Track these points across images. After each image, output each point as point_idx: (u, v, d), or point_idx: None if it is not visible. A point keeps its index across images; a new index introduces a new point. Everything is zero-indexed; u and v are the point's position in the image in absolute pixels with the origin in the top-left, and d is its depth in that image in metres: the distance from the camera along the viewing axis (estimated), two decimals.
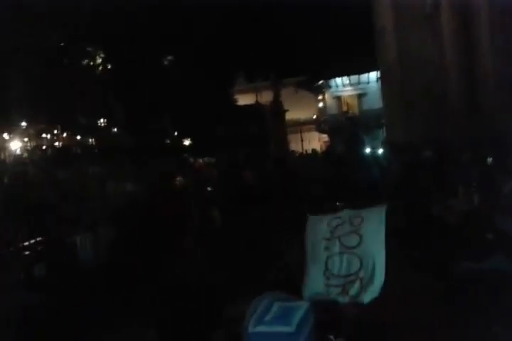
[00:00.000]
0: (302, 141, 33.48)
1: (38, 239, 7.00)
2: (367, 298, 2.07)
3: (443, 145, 8.14)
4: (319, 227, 2.34)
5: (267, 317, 1.60)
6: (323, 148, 30.08)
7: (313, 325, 1.63)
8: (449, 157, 7.06)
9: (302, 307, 1.65)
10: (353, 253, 2.13)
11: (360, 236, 2.16)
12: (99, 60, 22.68)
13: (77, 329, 4.64)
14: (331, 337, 2.72)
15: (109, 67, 22.10)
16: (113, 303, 5.35)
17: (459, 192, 5.48)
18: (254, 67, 32.62)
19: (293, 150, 24.67)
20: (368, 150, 16.08)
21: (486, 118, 9.36)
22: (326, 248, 2.21)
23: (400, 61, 14.13)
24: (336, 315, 3.67)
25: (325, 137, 35.48)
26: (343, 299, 2.10)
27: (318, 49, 28.09)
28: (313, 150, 18.05)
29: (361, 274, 2.08)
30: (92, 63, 22.08)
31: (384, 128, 22.57)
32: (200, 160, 20.19)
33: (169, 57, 23.52)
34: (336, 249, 2.18)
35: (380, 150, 13.29)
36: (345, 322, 3.40)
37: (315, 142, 34.28)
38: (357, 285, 2.08)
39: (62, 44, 20.23)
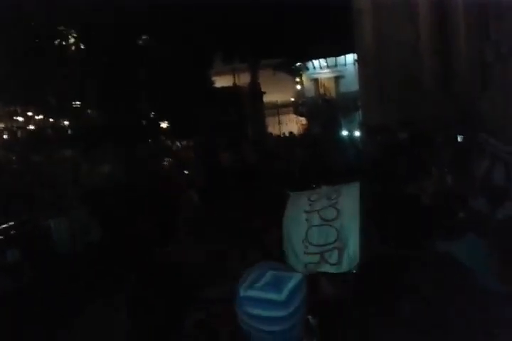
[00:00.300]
0: (280, 123, 33.46)
1: (10, 223, 6.91)
2: (345, 267, 2.26)
3: (417, 126, 8.23)
4: (300, 202, 2.52)
5: (259, 283, 1.62)
6: (301, 131, 30.22)
7: (305, 298, 1.64)
8: (423, 138, 7.14)
9: (295, 277, 1.66)
10: (331, 225, 2.32)
11: (338, 210, 2.35)
12: (72, 40, 22.15)
13: (50, 312, 4.62)
14: (309, 316, 2.74)
15: (82, 47, 21.59)
16: (88, 286, 5.33)
17: (432, 173, 5.56)
18: (231, 48, 32.26)
19: (271, 133, 24.68)
20: (344, 132, 16.17)
21: (460, 99, 9.47)
22: (306, 220, 2.40)
23: (377, 43, 14.11)
24: (312, 293, 3.70)
25: (303, 120, 35.52)
26: (323, 267, 2.29)
27: (296, 30, 27.87)
28: (291, 133, 18.04)
29: (338, 244, 2.26)
30: (64, 43, 21.54)
31: (360, 111, 22.67)
32: (178, 143, 20.06)
33: (144, 37, 23.06)
34: (315, 221, 2.36)
35: (357, 133, 13.37)
36: (322, 301, 3.44)
37: (293, 125, 34.30)
38: (335, 254, 2.27)
39: (34, 24, 19.68)
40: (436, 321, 1.93)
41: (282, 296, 1.58)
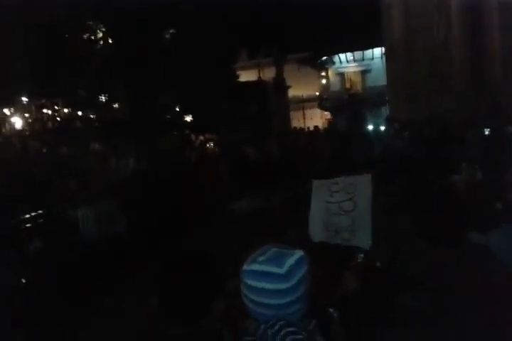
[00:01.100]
0: (305, 118, 33.29)
1: (38, 212, 7.03)
2: (354, 243, 2.94)
3: (446, 121, 8.07)
4: (322, 191, 3.20)
5: (261, 258, 1.69)
6: (326, 126, 29.99)
7: (306, 275, 1.69)
8: (451, 133, 7.00)
9: (297, 253, 1.72)
10: (349, 215, 3.00)
11: (355, 203, 3.01)
12: (100, 34, 22.37)
13: (73, 303, 4.67)
14: (331, 309, 2.72)
15: (110, 41, 21.78)
16: (114, 277, 5.38)
17: (462, 168, 5.45)
18: (256, 43, 32.19)
19: (295, 127, 24.53)
20: (370, 127, 15.98)
21: (491, 95, 9.26)
22: (327, 208, 3.08)
23: (406, 37, 13.88)
24: (335, 287, 3.67)
25: (328, 114, 35.25)
26: (336, 240, 3.00)
27: (322, 24, 27.65)
28: (315, 128, 17.90)
29: (352, 228, 2.96)
30: (93, 37, 21.77)
31: (387, 106, 22.36)
32: (202, 137, 20.12)
33: (170, 31, 23.13)
34: (336, 210, 3.05)
35: (383, 128, 13.18)
36: (344, 294, 3.40)
37: (317, 119, 34.08)
38: (347, 233, 2.96)
39: (63, 17, 19.94)
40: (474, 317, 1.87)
41: (283, 270, 1.64)
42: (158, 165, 10.97)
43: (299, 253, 1.71)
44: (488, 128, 5.32)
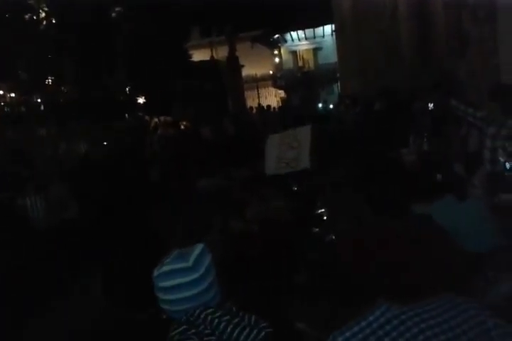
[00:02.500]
0: (259, 97, 33.20)
1: None
2: (301, 168, 4.98)
3: (395, 95, 8.22)
4: (275, 139, 5.41)
5: (167, 260, 1.84)
6: (280, 104, 30.06)
7: (211, 263, 1.87)
8: (400, 106, 7.14)
9: (198, 247, 1.89)
10: (295, 150, 5.02)
11: (299, 141, 5.08)
12: (43, 14, 21.43)
13: (26, 294, 4.58)
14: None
15: (53, 19, 20.91)
16: (66, 265, 5.30)
17: (410, 140, 5.59)
18: (208, 21, 31.63)
19: (251, 106, 24.46)
20: (323, 104, 16.13)
21: (437, 67, 9.46)
22: (280, 148, 5.16)
23: (354, 13, 13.94)
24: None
25: (282, 93, 35.30)
26: (286, 169, 5.11)
27: (274, 2, 27.39)
28: (268, 106, 17.96)
29: (298, 157, 4.98)
30: (35, 17, 20.83)
31: (339, 82, 22.58)
32: (156, 119, 19.80)
33: (119, 9, 22.42)
34: (286, 148, 5.12)
35: (335, 104, 13.32)
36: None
37: (272, 98, 34.07)
38: (295, 162, 4.96)
39: None
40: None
41: (189, 263, 1.80)
42: (111, 148, 10.76)
43: (200, 246, 1.88)
44: (433, 101, 5.47)
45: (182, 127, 14.79)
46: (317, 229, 4.76)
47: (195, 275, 1.78)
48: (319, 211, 5.00)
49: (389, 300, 1.47)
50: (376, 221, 2.63)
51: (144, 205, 7.15)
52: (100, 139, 11.60)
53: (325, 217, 4.90)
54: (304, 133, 4.91)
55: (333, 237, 4.22)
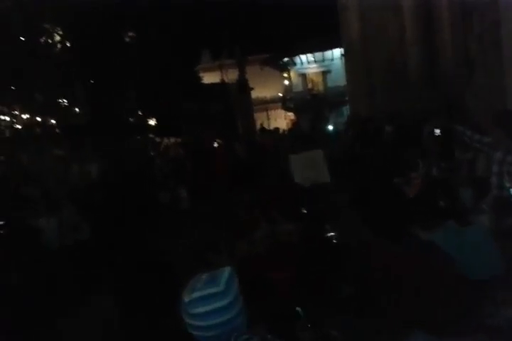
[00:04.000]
0: (269, 119, 33.46)
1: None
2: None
3: (403, 119, 8.29)
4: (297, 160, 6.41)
5: (198, 285, 1.80)
6: (290, 126, 30.20)
7: (239, 285, 1.84)
8: (408, 131, 7.20)
9: (227, 270, 1.86)
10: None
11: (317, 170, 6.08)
12: (58, 38, 21.94)
13: (36, 313, 4.61)
14: (298, 308, 2.82)
15: (68, 44, 21.39)
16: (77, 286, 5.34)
17: (419, 164, 5.62)
18: (219, 44, 32.18)
19: (261, 128, 24.58)
20: (332, 126, 16.23)
21: (445, 92, 9.56)
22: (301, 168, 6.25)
23: (362, 37, 14.16)
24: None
25: (291, 115, 35.53)
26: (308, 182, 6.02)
27: (283, 26, 27.90)
28: (276, 129, 18.12)
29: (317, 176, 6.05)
30: (50, 40, 21.33)
31: (348, 105, 22.74)
32: (166, 140, 20.00)
33: (131, 34, 22.89)
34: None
35: (344, 127, 13.40)
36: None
37: (281, 120, 34.32)
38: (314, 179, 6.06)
39: (19, 21, 19.47)
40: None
41: (221, 287, 1.77)
42: (122, 170, 10.86)
43: (228, 269, 1.86)
44: (439, 126, 5.52)
45: (196, 147, 14.88)
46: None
47: (228, 300, 1.76)
48: (329, 234, 5.03)
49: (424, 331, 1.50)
50: (377, 244, 2.68)
51: (152, 227, 7.21)
52: (111, 161, 11.73)
53: (335, 241, 4.92)
54: (318, 156, 6.25)
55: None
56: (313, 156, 6.33)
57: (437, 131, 5.06)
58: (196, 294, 1.76)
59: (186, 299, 1.77)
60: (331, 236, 5.03)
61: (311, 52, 33.31)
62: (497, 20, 6.70)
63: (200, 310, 1.74)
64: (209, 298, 1.74)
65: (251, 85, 30.56)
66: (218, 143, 18.32)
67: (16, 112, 22.04)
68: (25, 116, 22.14)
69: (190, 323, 1.77)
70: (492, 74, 7.23)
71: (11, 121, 22.19)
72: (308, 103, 31.49)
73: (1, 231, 6.72)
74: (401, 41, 12.31)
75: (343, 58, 23.65)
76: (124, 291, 3.50)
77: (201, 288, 1.77)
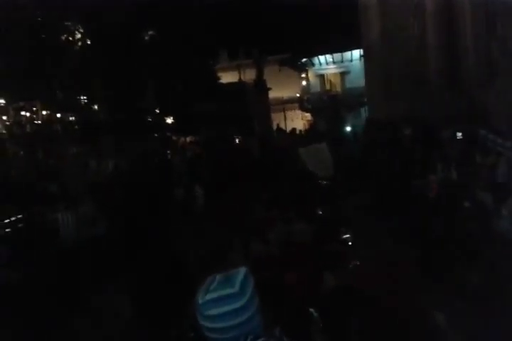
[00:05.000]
0: (285, 119, 33.37)
1: (18, 216, 6.97)
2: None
3: (423, 123, 8.21)
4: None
5: (212, 286, 1.73)
6: (307, 127, 30.14)
7: (254, 286, 1.77)
8: (428, 134, 7.13)
9: (242, 270, 1.79)
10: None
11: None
12: (79, 35, 22.13)
13: (50, 307, 4.65)
14: (311, 310, 2.79)
15: (89, 42, 21.58)
16: (94, 280, 5.38)
17: (437, 168, 5.56)
18: (237, 44, 32.18)
19: (278, 128, 24.58)
20: (349, 128, 16.15)
21: (466, 95, 9.43)
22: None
23: (382, 39, 14.06)
24: (316, 283, 3.74)
25: (308, 115, 35.42)
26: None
27: (302, 26, 27.80)
28: (293, 129, 18.11)
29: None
30: (71, 38, 21.52)
31: (366, 107, 22.60)
32: (183, 138, 20.09)
33: (150, 32, 23.00)
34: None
35: (362, 128, 13.33)
36: (324, 292, 3.47)
37: (298, 120, 34.20)
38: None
39: (41, 18, 19.70)
40: None
41: (236, 288, 1.70)
42: (140, 167, 10.94)
43: (243, 270, 1.79)
44: (462, 130, 5.45)
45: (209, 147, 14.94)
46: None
47: (243, 301, 1.70)
48: (344, 236, 5.00)
49: None
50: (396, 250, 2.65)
51: (168, 225, 7.24)
52: (129, 158, 11.81)
53: (350, 243, 4.89)
54: (323, 149, 6.97)
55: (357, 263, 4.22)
56: (318, 149, 6.99)
57: (459, 135, 5.00)
58: (210, 295, 1.70)
59: (200, 300, 1.71)
60: (346, 238, 5.01)
61: (330, 52, 33.16)
62: None
63: (214, 311, 1.69)
64: (223, 299, 1.69)
65: (269, 85, 30.59)
66: (235, 142, 18.36)
67: (36, 108, 22.29)
68: (44, 113, 22.38)
69: (203, 325, 1.72)
70: None
71: (31, 117, 22.45)
72: (326, 104, 31.36)
73: (20, 225, 6.82)
74: (422, 43, 12.18)
75: (362, 59, 23.56)
76: (139, 289, 3.51)
77: (215, 289, 1.71)
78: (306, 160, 7.17)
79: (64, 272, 5.36)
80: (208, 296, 1.70)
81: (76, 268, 5.47)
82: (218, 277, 1.77)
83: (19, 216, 6.92)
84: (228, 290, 1.69)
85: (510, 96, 7.28)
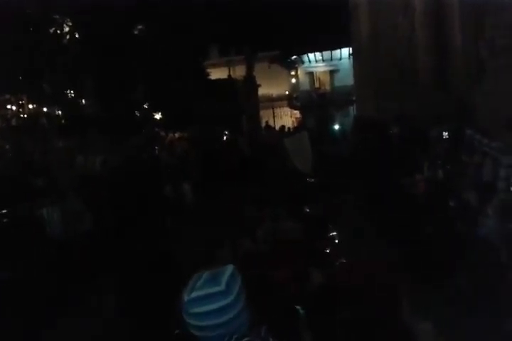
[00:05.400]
0: (274, 116, 33.39)
1: (3, 211, 6.91)
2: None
3: (410, 121, 8.27)
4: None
5: (198, 284, 1.73)
6: (295, 124, 30.19)
7: (242, 284, 1.77)
8: (415, 133, 7.19)
9: (229, 268, 1.79)
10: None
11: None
12: (67, 28, 21.93)
13: (40, 303, 4.62)
14: (298, 307, 2.80)
15: (77, 35, 21.39)
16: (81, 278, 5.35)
17: (424, 167, 5.62)
18: (227, 40, 32.07)
19: (269, 126, 24.57)
20: (338, 126, 16.21)
21: (454, 95, 9.52)
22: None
23: (371, 37, 14.10)
24: (302, 282, 3.76)
25: (297, 113, 35.48)
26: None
27: (293, 23, 27.81)
28: (282, 127, 18.12)
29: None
30: (59, 31, 21.32)
31: (355, 105, 22.69)
32: (172, 134, 20.02)
33: (139, 27, 22.86)
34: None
35: (351, 127, 13.39)
36: (311, 290, 3.49)
37: (287, 118, 34.25)
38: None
39: (29, 11, 19.49)
40: None
41: (222, 286, 1.70)
42: (128, 163, 10.88)
43: (230, 268, 1.79)
44: (449, 129, 5.51)
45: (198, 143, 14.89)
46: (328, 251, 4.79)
47: (229, 300, 1.70)
48: (331, 234, 5.04)
49: None
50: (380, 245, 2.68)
51: (156, 221, 7.22)
52: (116, 153, 11.75)
53: (337, 240, 4.93)
54: (304, 136, 7.50)
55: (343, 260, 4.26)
56: (300, 137, 7.57)
57: (445, 134, 5.05)
58: (196, 293, 1.70)
59: (186, 297, 1.71)
60: (334, 235, 5.05)
61: (319, 50, 33.24)
62: (509, 24, 6.67)
63: (200, 309, 1.69)
64: (209, 297, 1.69)
65: (258, 82, 30.57)
66: (224, 139, 18.33)
67: (23, 102, 22.07)
68: (31, 106, 22.16)
69: (189, 322, 1.72)
70: (503, 78, 7.20)
71: (18, 111, 22.22)
72: (315, 102, 31.45)
73: (5, 220, 6.76)
74: (411, 42, 12.25)
75: (351, 58, 23.63)
76: (126, 287, 3.50)
77: (201, 286, 1.71)
78: (290, 149, 7.61)
79: (50, 269, 5.33)
80: (194, 294, 1.70)
81: (61, 266, 5.44)
82: (205, 275, 1.76)
83: (3, 211, 6.86)
84: (214, 288, 1.69)
85: (496, 97, 7.36)
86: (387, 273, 3.00)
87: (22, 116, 21.23)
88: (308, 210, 5.86)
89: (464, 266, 2.83)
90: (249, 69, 28.22)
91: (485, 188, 4.34)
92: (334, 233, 4.97)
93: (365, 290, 3.04)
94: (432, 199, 4.04)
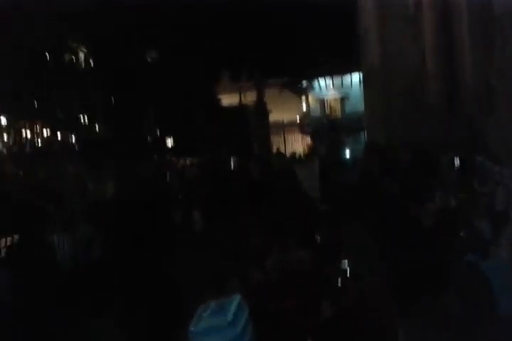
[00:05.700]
0: (285, 142, 33.49)
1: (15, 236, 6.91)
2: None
3: (421, 148, 8.24)
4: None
5: (206, 314, 1.72)
6: (306, 151, 30.22)
7: (248, 315, 1.76)
8: (427, 160, 7.14)
9: (236, 299, 1.78)
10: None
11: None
12: (82, 56, 22.45)
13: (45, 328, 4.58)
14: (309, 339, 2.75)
15: (91, 62, 21.85)
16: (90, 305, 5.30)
17: (436, 195, 5.55)
18: (238, 66, 32.50)
19: (279, 152, 24.62)
20: (348, 153, 16.19)
21: (465, 122, 9.49)
22: None
23: (382, 64, 14.21)
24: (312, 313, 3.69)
25: (308, 139, 35.56)
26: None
27: (303, 50, 28.17)
28: (292, 153, 18.16)
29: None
30: (74, 58, 21.81)
31: (365, 132, 22.71)
32: (182, 160, 20.10)
33: (152, 53, 23.32)
34: None
35: (362, 153, 13.34)
36: (321, 321, 3.42)
37: (297, 144, 34.33)
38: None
39: (45, 38, 19.98)
40: None
41: (229, 318, 1.69)
42: (138, 189, 10.90)
43: (237, 298, 1.79)
44: (459, 156, 5.47)
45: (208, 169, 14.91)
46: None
47: (235, 331, 1.68)
48: (342, 262, 4.95)
49: None
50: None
51: (165, 249, 7.16)
52: (127, 179, 11.79)
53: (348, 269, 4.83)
54: (314, 164, 8.07)
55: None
56: (311, 164, 8.21)
57: (456, 161, 5.00)
58: (203, 324, 1.69)
59: (193, 328, 1.71)
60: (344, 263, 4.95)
61: (330, 76, 33.54)
62: None
63: (205, 340, 1.68)
64: (216, 329, 1.67)
65: (269, 108, 30.82)
66: (234, 165, 18.35)
67: (36, 127, 22.41)
68: (44, 131, 22.50)
69: None
70: None
71: (31, 136, 22.55)
72: (326, 128, 31.58)
73: (15, 245, 6.76)
74: (421, 68, 12.31)
75: (361, 85, 23.79)
76: (133, 315, 3.46)
77: (208, 317, 1.70)
78: (300, 176, 8.15)
79: (57, 296, 5.30)
80: (201, 324, 1.70)
81: (69, 292, 5.40)
82: (212, 305, 1.75)
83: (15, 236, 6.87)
84: (221, 320, 1.68)
85: (509, 124, 7.33)
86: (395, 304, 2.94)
87: (35, 141, 21.54)
88: (319, 238, 5.78)
89: (473, 295, 2.77)
90: (260, 95, 28.51)
91: (498, 218, 4.27)
92: (345, 261, 4.89)
93: (375, 321, 2.98)
94: (443, 228, 3.97)
